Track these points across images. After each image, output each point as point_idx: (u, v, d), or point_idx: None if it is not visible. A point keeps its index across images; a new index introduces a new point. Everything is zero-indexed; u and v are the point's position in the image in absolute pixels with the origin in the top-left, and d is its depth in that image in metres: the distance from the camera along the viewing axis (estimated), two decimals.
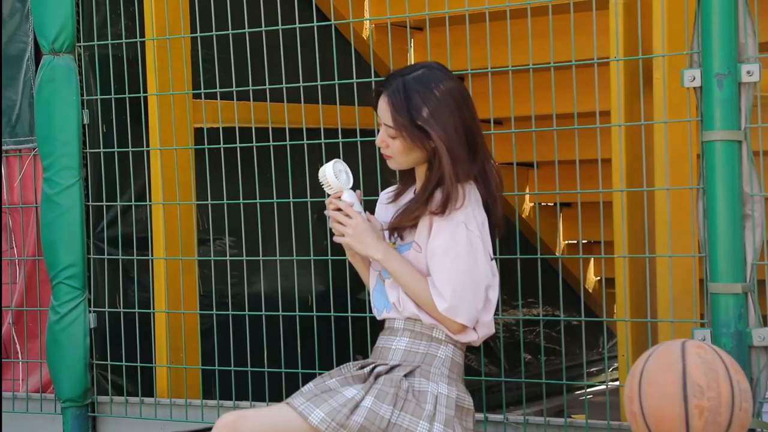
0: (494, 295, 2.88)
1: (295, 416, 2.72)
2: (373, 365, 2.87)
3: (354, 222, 2.88)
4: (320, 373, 3.01)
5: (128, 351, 4.22)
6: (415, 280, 2.84)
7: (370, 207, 3.05)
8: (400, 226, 2.88)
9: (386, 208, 3.02)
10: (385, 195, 3.07)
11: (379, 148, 2.93)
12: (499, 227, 2.95)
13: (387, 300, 2.92)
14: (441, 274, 2.80)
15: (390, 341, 2.91)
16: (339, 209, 2.91)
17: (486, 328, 2.89)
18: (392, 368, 2.84)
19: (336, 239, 2.93)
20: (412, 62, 5.56)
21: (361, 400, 2.74)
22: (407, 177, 3.02)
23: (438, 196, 2.81)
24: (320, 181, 2.93)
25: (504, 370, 4.36)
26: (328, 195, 2.94)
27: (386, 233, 2.95)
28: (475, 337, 2.88)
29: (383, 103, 2.89)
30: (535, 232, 5.67)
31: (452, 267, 2.79)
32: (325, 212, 2.93)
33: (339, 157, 3.66)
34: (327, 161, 2.95)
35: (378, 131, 2.92)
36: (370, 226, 2.89)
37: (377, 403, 2.74)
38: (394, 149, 2.88)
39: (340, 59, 3.90)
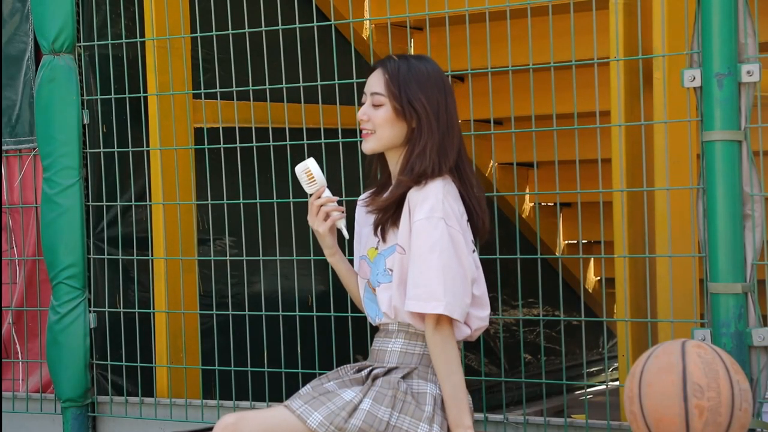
0: (478, 289, 2.86)
1: (294, 419, 2.72)
2: (371, 368, 2.87)
3: None
4: (320, 374, 3.01)
5: (128, 351, 4.22)
6: (458, 372, 2.80)
7: (350, 208, 3.06)
8: (386, 206, 2.84)
9: (366, 212, 3.01)
10: (361, 201, 3.05)
11: (360, 128, 2.91)
12: (485, 232, 2.94)
13: (378, 308, 2.91)
14: (430, 272, 2.75)
15: (386, 343, 2.90)
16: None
17: (480, 321, 2.87)
18: (389, 370, 2.84)
19: (328, 220, 2.93)
20: None
21: (359, 402, 2.74)
22: (384, 179, 3.00)
23: (417, 167, 2.81)
24: (299, 177, 2.93)
25: (504, 370, 4.36)
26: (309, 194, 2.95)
27: (370, 235, 2.94)
28: (468, 332, 2.86)
29: (376, 75, 2.89)
30: (535, 232, 5.67)
31: (438, 264, 2.75)
32: (314, 220, 2.93)
33: (340, 157, 3.67)
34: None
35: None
36: None
37: (375, 406, 2.73)
38: (377, 120, 2.86)
39: (340, 59, 3.90)
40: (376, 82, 2.88)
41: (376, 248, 2.91)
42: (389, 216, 2.86)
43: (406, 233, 2.82)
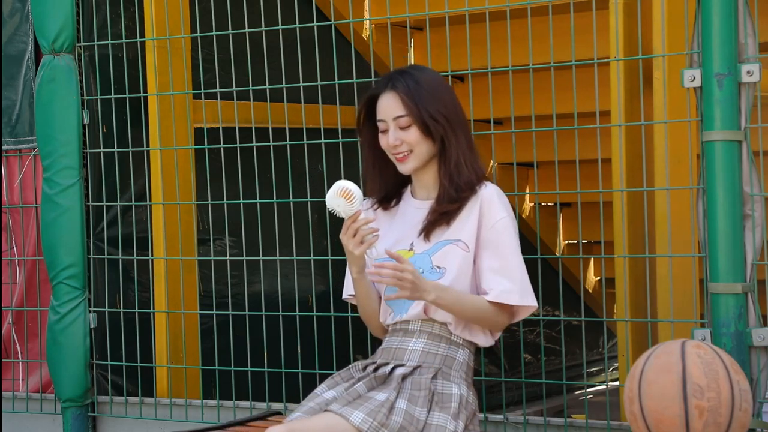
0: None
1: (343, 421, 2.71)
2: (391, 366, 2.88)
3: (410, 276, 2.80)
4: (321, 374, 3.01)
5: (128, 351, 4.22)
6: (470, 301, 2.87)
7: None
8: (447, 212, 2.89)
9: (375, 215, 3.02)
10: (368, 202, 3.07)
11: (393, 155, 2.94)
12: None
13: (404, 307, 2.94)
14: (521, 267, 2.88)
15: (405, 342, 2.93)
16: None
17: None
18: (414, 369, 2.86)
19: (363, 245, 2.87)
20: (412, 62, 5.58)
21: (395, 401, 2.77)
22: (391, 186, 3.03)
23: (459, 180, 2.88)
24: (333, 203, 2.80)
25: (504, 370, 4.35)
26: (337, 216, 2.85)
27: (398, 238, 2.96)
28: (492, 342, 2.95)
29: (387, 99, 2.92)
30: (535, 232, 5.67)
31: (522, 261, 2.89)
32: (374, 272, 2.84)
33: (340, 157, 3.66)
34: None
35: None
36: (415, 269, 2.83)
37: (411, 406, 2.77)
38: (411, 140, 2.90)
39: (340, 59, 3.90)
40: (393, 105, 2.90)
41: (411, 249, 2.93)
42: (445, 220, 2.90)
43: (474, 231, 2.88)
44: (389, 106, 2.91)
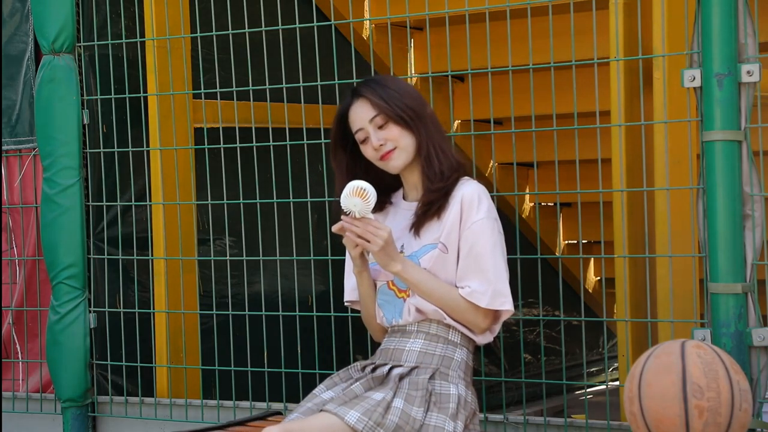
0: None
1: (338, 421, 2.71)
2: (389, 366, 2.88)
3: (385, 234, 2.83)
4: (321, 374, 3.01)
5: (128, 351, 4.22)
6: (440, 286, 2.87)
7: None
8: (433, 200, 2.88)
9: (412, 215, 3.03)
10: None
11: (380, 157, 2.93)
12: None
13: (396, 309, 2.94)
14: (497, 270, 2.84)
15: (403, 343, 2.93)
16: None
17: (499, 326, 2.95)
18: (412, 370, 2.86)
19: (359, 246, 2.87)
20: (412, 62, 5.59)
21: (391, 400, 2.77)
22: (384, 182, 3.03)
23: (437, 167, 2.87)
24: (348, 202, 2.80)
25: (504, 370, 4.36)
26: (349, 214, 2.85)
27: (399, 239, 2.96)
28: (491, 339, 2.93)
29: (357, 108, 2.93)
30: (535, 232, 5.67)
31: (502, 263, 2.86)
32: (347, 225, 2.85)
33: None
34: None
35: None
36: (392, 239, 2.87)
37: (408, 406, 2.77)
38: (393, 135, 2.89)
39: (340, 59, 3.90)
40: (365, 110, 2.91)
41: (401, 251, 2.93)
42: (434, 212, 2.88)
43: (455, 233, 2.87)
44: (362, 113, 2.92)
